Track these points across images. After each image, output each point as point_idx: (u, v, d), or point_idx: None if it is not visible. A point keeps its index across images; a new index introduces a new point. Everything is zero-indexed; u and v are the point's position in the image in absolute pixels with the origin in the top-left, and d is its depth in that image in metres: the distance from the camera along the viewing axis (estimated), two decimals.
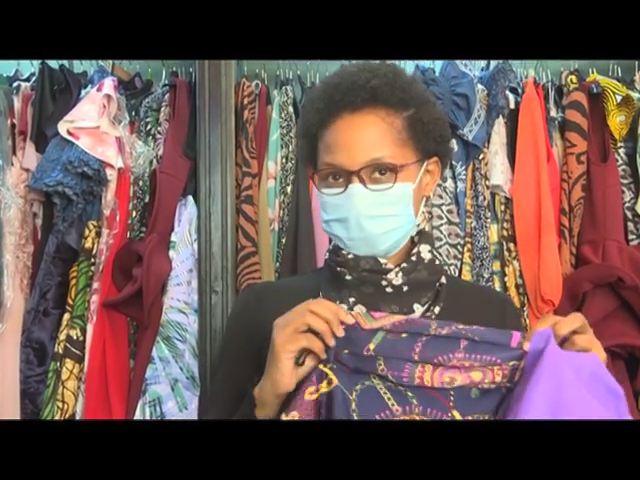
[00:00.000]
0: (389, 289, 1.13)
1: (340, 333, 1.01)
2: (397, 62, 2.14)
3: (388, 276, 1.13)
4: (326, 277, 1.20)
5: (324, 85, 1.18)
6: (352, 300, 1.14)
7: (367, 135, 1.11)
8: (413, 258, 1.15)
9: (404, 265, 1.14)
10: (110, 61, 2.24)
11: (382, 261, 1.14)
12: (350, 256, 1.14)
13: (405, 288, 1.13)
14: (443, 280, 1.18)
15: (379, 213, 1.11)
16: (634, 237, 2.12)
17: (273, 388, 1.03)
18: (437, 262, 1.19)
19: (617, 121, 2.12)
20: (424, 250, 1.17)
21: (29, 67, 2.26)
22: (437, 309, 1.15)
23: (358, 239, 1.13)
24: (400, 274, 1.13)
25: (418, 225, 1.20)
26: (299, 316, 1.02)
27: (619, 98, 2.12)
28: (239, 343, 1.22)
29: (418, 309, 1.13)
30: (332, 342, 1.01)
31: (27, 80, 2.24)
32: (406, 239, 1.18)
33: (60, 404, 1.99)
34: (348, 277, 1.14)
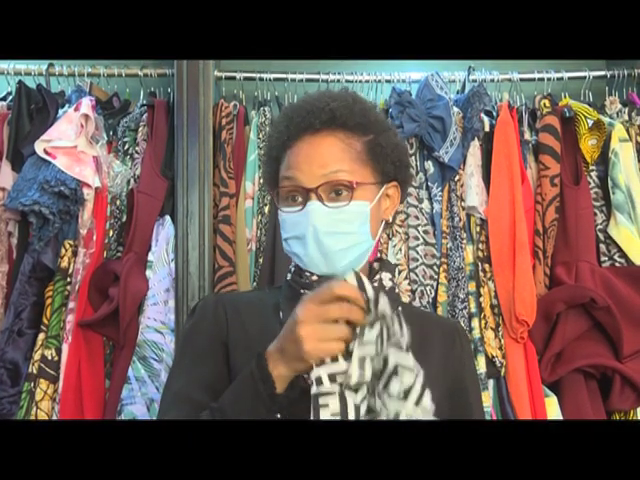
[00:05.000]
0: None
1: None
2: (375, 78, 2.22)
3: None
4: (286, 296, 1.19)
5: (286, 109, 1.22)
6: None
7: (324, 153, 1.14)
8: (375, 284, 1.16)
9: None
10: (88, 81, 2.25)
11: None
12: (314, 278, 1.15)
13: None
14: (399, 308, 1.19)
15: (336, 230, 1.13)
16: (606, 259, 2.15)
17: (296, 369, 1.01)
18: (396, 290, 1.21)
19: (589, 145, 2.16)
20: (385, 278, 1.19)
21: (6, 86, 2.26)
22: None
23: (316, 256, 1.13)
24: None
25: (380, 252, 1.21)
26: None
27: (591, 122, 2.16)
28: (204, 344, 1.18)
29: None
30: None
31: (3, 99, 2.24)
32: (364, 259, 1.19)
33: None
34: None
